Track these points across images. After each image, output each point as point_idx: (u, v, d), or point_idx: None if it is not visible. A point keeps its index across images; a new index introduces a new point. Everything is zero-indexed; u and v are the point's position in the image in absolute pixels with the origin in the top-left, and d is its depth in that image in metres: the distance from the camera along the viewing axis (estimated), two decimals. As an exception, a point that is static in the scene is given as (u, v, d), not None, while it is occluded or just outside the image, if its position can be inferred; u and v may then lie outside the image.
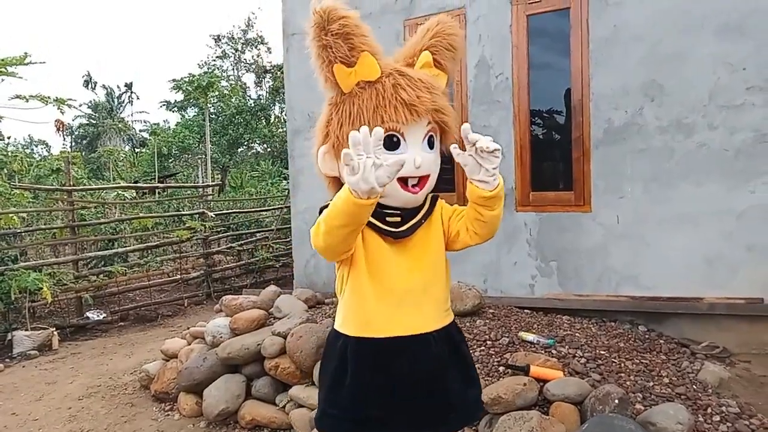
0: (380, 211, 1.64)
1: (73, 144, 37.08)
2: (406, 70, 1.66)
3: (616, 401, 2.59)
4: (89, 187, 8.00)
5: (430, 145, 1.68)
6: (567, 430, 2.55)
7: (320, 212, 1.73)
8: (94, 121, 36.32)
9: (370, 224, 1.64)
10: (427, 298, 1.68)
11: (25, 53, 6.36)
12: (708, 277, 3.55)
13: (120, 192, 7.98)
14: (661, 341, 3.61)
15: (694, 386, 3.04)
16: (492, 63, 4.16)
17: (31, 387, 4.52)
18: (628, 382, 3.00)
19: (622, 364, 3.19)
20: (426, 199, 1.76)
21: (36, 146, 35.22)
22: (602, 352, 3.31)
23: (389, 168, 1.32)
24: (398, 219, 1.66)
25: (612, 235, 3.83)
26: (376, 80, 1.63)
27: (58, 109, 6.69)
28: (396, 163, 1.33)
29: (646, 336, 3.69)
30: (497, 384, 2.87)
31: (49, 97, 6.77)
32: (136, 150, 31.55)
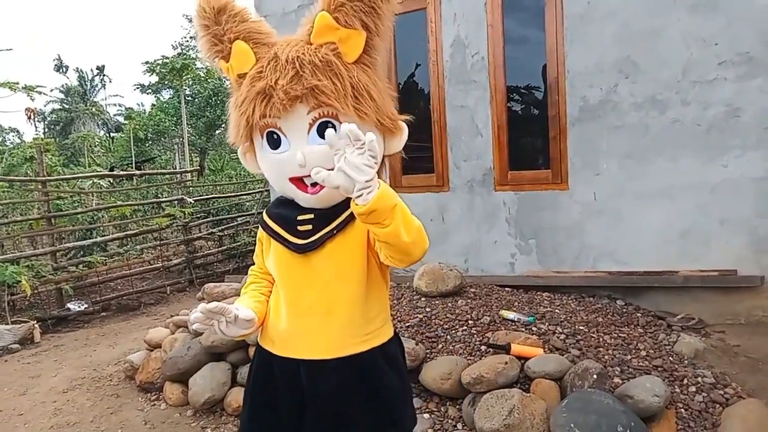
0: (294, 217, 1.48)
1: (46, 130, 36.29)
2: (277, 52, 1.39)
3: (595, 376, 2.66)
4: (64, 176, 7.85)
5: (323, 135, 1.34)
6: (547, 406, 2.61)
7: None
8: (67, 106, 35.53)
9: (276, 236, 1.51)
10: (332, 319, 1.45)
11: (-10, 41, 6.19)
12: (683, 251, 3.63)
13: (96, 180, 7.84)
14: (638, 314, 3.69)
15: (670, 358, 3.12)
16: (468, 42, 4.14)
17: (15, 381, 4.48)
18: (606, 357, 3.07)
19: (601, 339, 3.26)
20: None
21: (7, 134, 34.40)
22: (581, 328, 3.37)
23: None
24: (309, 227, 1.46)
25: (589, 212, 3.88)
26: (249, 70, 1.43)
27: (28, 96, 6.55)
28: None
29: (624, 310, 3.77)
30: (479, 363, 2.92)
31: (17, 83, 6.62)
32: (112, 135, 30.98)
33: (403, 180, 4.43)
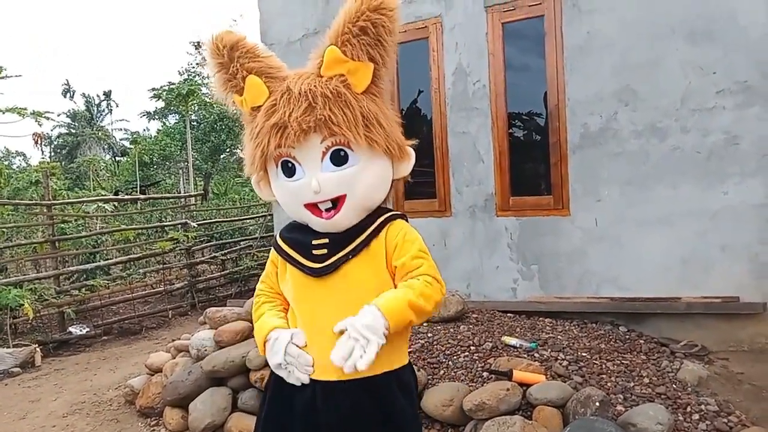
0: (309, 241, 1.54)
1: (53, 154, 36.57)
2: (290, 85, 1.45)
3: (597, 404, 2.64)
4: (68, 200, 7.91)
5: (338, 162, 1.45)
6: (549, 434, 2.59)
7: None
8: (74, 131, 35.88)
9: (291, 260, 1.57)
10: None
11: (0, 67, 6.31)
12: (684, 277, 3.63)
13: (100, 204, 7.89)
14: (641, 341, 3.68)
15: (673, 385, 3.10)
16: (469, 70, 4.21)
17: (14, 405, 4.46)
18: (609, 384, 3.05)
19: (604, 366, 3.25)
20: (372, 222, 1.53)
21: (14, 158, 34.74)
22: (584, 354, 3.36)
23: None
24: (324, 251, 1.51)
25: (590, 238, 3.89)
26: (263, 103, 1.49)
27: (36, 121, 6.65)
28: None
29: (627, 336, 3.75)
30: (481, 390, 2.90)
31: (25, 109, 6.73)
32: (118, 159, 31.21)
33: (405, 205, 4.46)
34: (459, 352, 3.42)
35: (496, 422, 2.67)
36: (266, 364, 3.54)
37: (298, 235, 1.58)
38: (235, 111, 1.60)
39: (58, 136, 36.59)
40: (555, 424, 2.69)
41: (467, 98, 4.24)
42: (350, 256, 1.49)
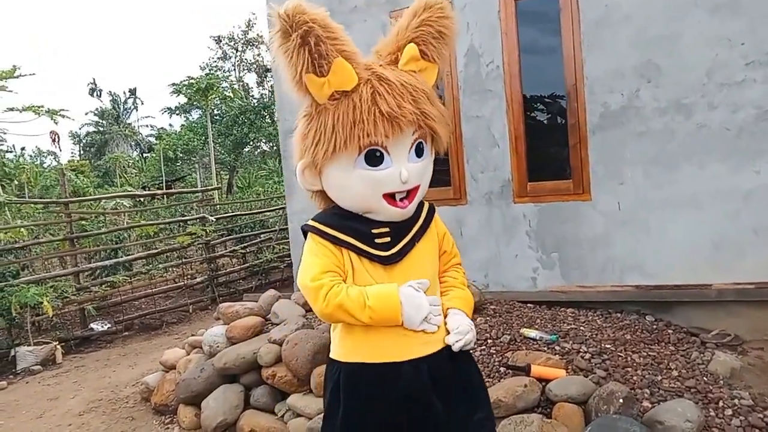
0: (368, 230, 1.56)
1: (82, 152, 37.29)
2: (385, 74, 1.49)
3: (621, 400, 2.48)
4: (85, 197, 7.95)
5: (419, 153, 1.55)
6: (570, 433, 2.44)
7: (304, 233, 1.65)
8: (102, 128, 36.51)
9: (357, 249, 1.56)
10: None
11: (14, 66, 6.31)
12: (715, 262, 3.42)
13: (119, 200, 7.92)
14: (670, 331, 3.49)
15: (704, 378, 2.92)
16: (482, 51, 4.02)
17: (33, 404, 4.48)
18: (634, 378, 2.89)
19: (629, 358, 3.08)
20: (421, 209, 1.66)
21: (45, 157, 35.46)
22: (608, 346, 3.19)
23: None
24: (387, 240, 1.56)
25: (614, 223, 3.70)
26: (352, 89, 1.47)
27: (52, 119, 6.66)
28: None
29: (654, 326, 3.56)
30: (497, 386, 2.77)
31: (42, 107, 6.73)
32: (144, 155, 31.67)
33: (419, 194, 4.31)
34: (475, 346, 3.28)
35: (512, 421, 2.53)
36: (277, 361, 3.47)
37: (354, 225, 1.57)
38: (296, 92, 1.53)
39: (86, 135, 37.26)
40: (576, 423, 2.54)
41: (480, 80, 4.06)
42: (415, 241, 1.59)
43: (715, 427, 2.54)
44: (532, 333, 3.29)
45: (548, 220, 3.92)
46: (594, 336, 3.32)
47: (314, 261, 1.56)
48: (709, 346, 3.29)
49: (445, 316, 1.63)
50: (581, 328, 3.45)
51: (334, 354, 1.66)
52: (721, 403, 2.68)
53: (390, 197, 1.53)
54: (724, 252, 3.38)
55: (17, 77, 6.27)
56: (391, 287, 1.52)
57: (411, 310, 1.51)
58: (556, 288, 3.91)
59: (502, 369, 3.01)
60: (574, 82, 3.73)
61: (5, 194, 11.15)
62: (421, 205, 1.67)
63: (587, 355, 3.08)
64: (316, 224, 1.60)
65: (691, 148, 3.42)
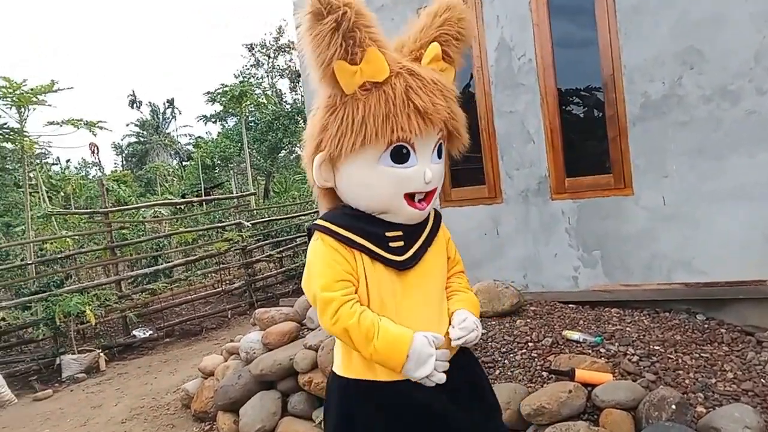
0: (382, 233, 1.49)
1: (124, 162, 38.32)
2: (417, 69, 1.45)
3: (673, 407, 2.34)
4: (124, 207, 8.11)
5: (439, 154, 1.52)
6: (619, 441, 2.31)
7: (309, 234, 1.57)
8: (143, 139, 37.51)
9: (372, 253, 1.48)
10: (443, 328, 1.54)
11: (52, 81, 6.49)
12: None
13: (157, 209, 8.05)
14: (723, 330, 3.30)
15: (762, 380, 2.74)
16: (513, 45, 3.90)
17: (78, 412, 4.56)
18: (687, 381, 2.73)
19: (680, 360, 2.92)
20: (429, 214, 1.61)
21: (90, 168, 36.61)
22: (656, 348, 3.04)
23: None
24: (401, 243, 1.50)
25: (658, 218, 3.53)
26: (384, 81, 1.40)
27: (90, 131, 6.84)
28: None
29: (706, 326, 3.38)
30: (540, 392, 2.66)
31: (81, 120, 6.93)
32: (183, 163, 32.36)
33: (452, 193, 4.21)
34: (516, 350, 3.18)
35: (557, 429, 2.43)
36: (313, 367, 3.43)
37: (367, 226, 1.49)
38: (322, 81, 1.45)
39: (128, 145, 38.29)
40: (625, 429, 2.41)
41: (512, 75, 3.93)
42: (428, 245, 1.54)
43: (777, 433, 2.38)
44: (575, 335, 3.16)
45: (588, 217, 3.77)
46: (641, 337, 3.16)
47: (325, 267, 1.45)
48: (766, 346, 3.09)
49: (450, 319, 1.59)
50: (627, 329, 3.29)
51: (344, 369, 1.56)
52: (782, 408, 2.52)
53: (409, 198, 1.47)
54: (779, 246, 3.18)
55: (55, 91, 6.46)
56: (405, 334, 1.42)
57: (413, 365, 1.42)
58: (599, 287, 3.75)
59: (544, 374, 2.90)
60: (612, 72, 3.57)
61: (52, 206, 11.53)
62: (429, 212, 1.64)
63: (635, 358, 2.94)
64: (328, 224, 1.50)
65: (739, 137, 3.22)
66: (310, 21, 1.35)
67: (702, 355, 2.97)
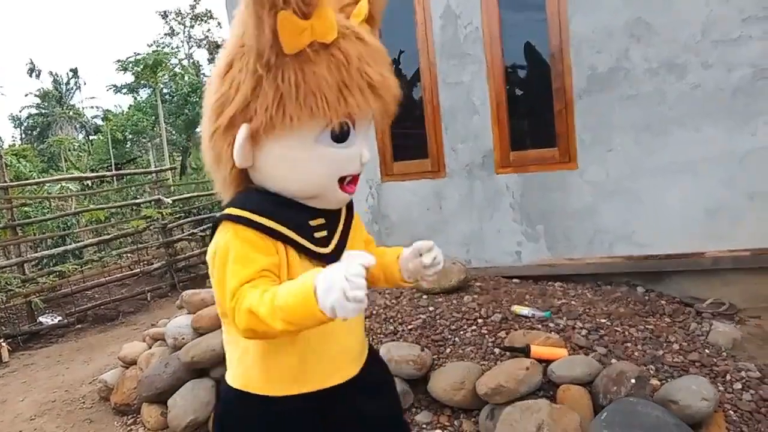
0: (305, 222, 1.25)
1: (23, 135, 35.60)
2: (362, 33, 1.18)
3: (632, 381, 2.31)
4: (27, 182, 7.36)
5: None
6: (581, 418, 2.26)
7: (213, 228, 1.25)
8: (44, 111, 34.88)
9: (298, 246, 1.22)
10: (359, 329, 1.41)
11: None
12: (709, 230, 3.29)
13: (64, 184, 7.37)
14: (663, 302, 3.36)
15: (706, 350, 2.80)
16: (459, 12, 3.75)
17: (-23, 409, 4.06)
18: (636, 353, 2.74)
19: (626, 332, 2.93)
20: None
21: (-16, 140, 33.60)
22: (603, 321, 3.03)
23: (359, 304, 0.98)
24: (324, 233, 1.27)
25: (602, 193, 3.53)
26: (331, 43, 1.12)
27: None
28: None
29: (646, 297, 3.43)
30: (496, 370, 2.57)
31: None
32: (91, 137, 30.37)
33: (394, 167, 4.04)
34: (465, 327, 3.08)
35: (518, 407, 2.33)
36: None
37: (290, 214, 1.23)
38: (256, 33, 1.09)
39: (27, 117, 35.52)
40: (584, 405, 2.37)
41: (458, 44, 3.79)
42: (347, 234, 1.34)
43: (727, 402, 2.42)
44: (525, 310, 3.11)
45: (533, 191, 3.72)
46: (587, 310, 3.16)
47: (241, 267, 1.14)
48: (706, 317, 3.18)
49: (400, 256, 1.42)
50: (572, 302, 3.28)
51: (249, 384, 1.30)
52: (728, 377, 2.57)
53: (340, 181, 1.24)
54: (718, 219, 3.26)
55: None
56: (307, 275, 1.05)
57: (322, 293, 0.99)
58: (543, 261, 3.73)
59: (496, 350, 2.82)
60: (559, 43, 3.51)
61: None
62: None
63: (584, 332, 2.92)
64: (245, 213, 1.20)
65: (685, 111, 3.25)
66: None
67: (647, 327, 3.00)
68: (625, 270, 3.52)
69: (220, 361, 3.31)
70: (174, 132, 21.44)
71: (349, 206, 1.39)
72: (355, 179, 1.28)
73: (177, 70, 20.01)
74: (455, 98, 3.85)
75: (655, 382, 2.47)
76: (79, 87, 36.51)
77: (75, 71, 36.28)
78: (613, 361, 2.64)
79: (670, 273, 3.42)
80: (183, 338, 3.56)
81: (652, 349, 2.78)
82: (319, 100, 1.11)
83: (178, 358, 3.42)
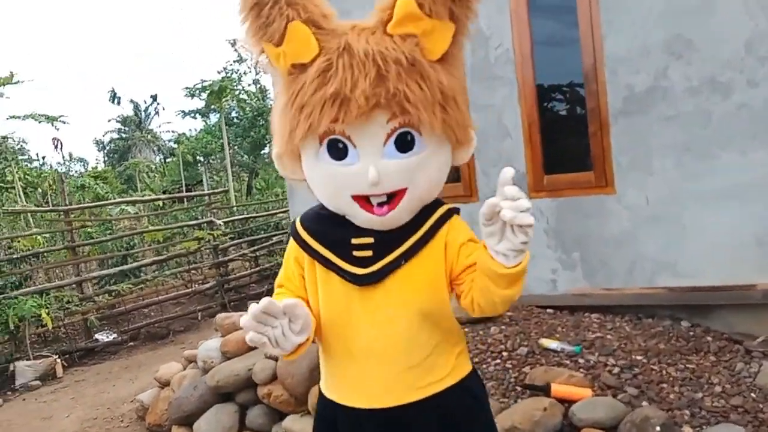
0: (347, 239, 1.25)
1: (106, 158, 37.77)
2: (353, 43, 1.13)
3: (658, 428, 2.12)
4: (87, 204, 7.77)
5: (404, 148, 1.17)
6: (597, 467, 2.09)
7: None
8: (125, 135, 36.99)
9: (326, 262, 1.26)
10: (403, 359, 1.25)
11: (11, 73, 6.18)
12: (760, 261, 3.02)
13: (123, 207, 7.73)
14: (709, 338, 3.10)
15: (752, 394, 2.54)
16: (489, 33, 3.67)
17: (26, 423, 4.26)
18: (671, 396, 2.52)
19: (664, 372, 2.71)
20: (427, 217, 1.26)
21: (74, 164, 35.85)
22: (639, 358, 2.83)
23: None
24: (369, 253, 1.23)
25: (641, 219, 3.32)
26: (311, 61, 1.15)
27: (53, 125, 6.53)
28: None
29: (691, 333, 3.17)
30: (512, 409, 2.44)
31: (43, 115, 6.62)
32: (167, 160, 31.90)
33: (426, 191, 3.97)
34: (489, 360, 2.95)
35: (529, 452, 2.19)
36: (273, 379, 3.18)
37: (332, 229, 1.28)
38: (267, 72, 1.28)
39: (110, 141, 37.70)
40: (604, 452, 2.19)
41: (489, 66, 3.70)
42: (403, 261, 1.23)
43: (770, 456, 2.18)
44: (553, 344, 2.95)
45: (568, 217, 3.55)
46: (623, 346, 2.95)
47: (281, 270, 1.36)
48: (755, 356, 2.89)
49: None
50: (608, 336, 3.08)
51: (321, 384, 1.44)
52: (774, 426, 2.32)
53: (364, 200, 1.19)
54: (770, 249, 2.98)
55: (16, 83, 6.16)
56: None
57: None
58: (579, 291, 3.54)
59: (518, 388, 2.67)
60: (593, 62, 3.35)
61: (29, 203, 11.13)
62: (432, 209, 1.28)
63: (616, 369, 2.73)
64: (297, 223, 1.36)
65: (730, 132, 3.02)
66: (241, 9, 1.17)
67: (687, 366, 2.77)
68: (668, 302, 3.28)
69: (245, 386, 3.33)
70: (242, 153, 22.18)
71: (434, 229, 1.26)
72: (393, 201, 1.19)
73: (242, 95, 20.75)
74: (486, 121, 3.74)
75: (687, 429, 2.26)
76: (158, 112, 38.46)
77: (155, 97, 38.30)
78: (644, 403, 2.45)
79: (717, 307, 3.16)
80: (212, 362, 3.60)
81: (690, 391, 2.56)
82: (291, 119, 1.17)
83: (205, 382, 3.46)
